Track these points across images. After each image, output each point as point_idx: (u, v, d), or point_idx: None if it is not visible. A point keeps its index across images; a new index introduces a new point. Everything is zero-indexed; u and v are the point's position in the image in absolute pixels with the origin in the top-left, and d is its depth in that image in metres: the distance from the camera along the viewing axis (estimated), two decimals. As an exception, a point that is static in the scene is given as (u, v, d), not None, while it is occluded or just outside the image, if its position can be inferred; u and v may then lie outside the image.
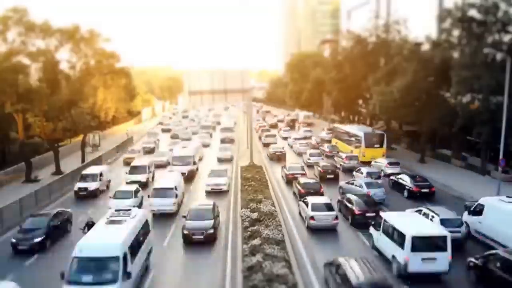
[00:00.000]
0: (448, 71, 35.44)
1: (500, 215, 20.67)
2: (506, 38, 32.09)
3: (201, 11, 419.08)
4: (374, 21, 53.09)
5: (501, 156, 29.45)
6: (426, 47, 40.60)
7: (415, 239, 17.27)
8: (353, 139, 46.39)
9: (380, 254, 19.78)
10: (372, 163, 39.05)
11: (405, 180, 30.50)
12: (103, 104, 48.18)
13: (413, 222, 19.39)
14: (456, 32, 35.16)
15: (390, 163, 37.21)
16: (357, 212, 24.06)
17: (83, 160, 43.53)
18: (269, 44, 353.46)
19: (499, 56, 32.24)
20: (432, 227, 18.92)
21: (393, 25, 49.79)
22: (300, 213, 26.10)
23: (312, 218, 23.41)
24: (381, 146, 43.08)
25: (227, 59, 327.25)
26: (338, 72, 59.11)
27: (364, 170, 33.45)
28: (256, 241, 19.38)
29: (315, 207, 23.78)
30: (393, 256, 18.25)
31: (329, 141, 52.58)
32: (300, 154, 47.21)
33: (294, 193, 30.74)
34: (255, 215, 23.18)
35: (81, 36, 40.30)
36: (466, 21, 33.47)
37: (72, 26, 39.83)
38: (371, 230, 20.99)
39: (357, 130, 47.05)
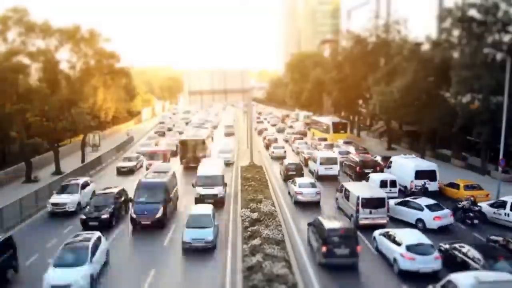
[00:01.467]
0: (448, 71, 35.46)
1: (399, 167, 32.64)
2: (506, 38, 32.12)
3: (201, 11, 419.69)
4: (374, 21, 53.13)
5: (501, 156, 29.46)
6: (426, 47, 40.62)
7: (321, 158, 36.25)
8: (324, 127, 59.32)
9: (310, 171, 38.14)
10: (334, 144, 49.33)
11: (351, 150, 45.05)
12: (103, 104, 48.15)
13: (325, 152, 39.76)
14: (456, 32, 35.19)
15: (345, 142, 49.93)
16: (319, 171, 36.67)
17: (83, 160, 43.51)
18: (269, 44, 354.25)
19: (499, 56, 32.27)
20: (331, 154, 38.97)
21: (393, 25, 49.83)
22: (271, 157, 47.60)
23: (273, 152, 47.41)
24: (345, 131, 57.71)
25: (227, 59, 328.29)
26: (338, 72, 59.16)
27: (336, 149, 45.04)
28: (256, 241, 19.38)
29: (275, 147, 48.19)
30: (314, 170, 36.83)
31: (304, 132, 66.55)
32: (287, 141, 59.12)
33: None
34: (255, 215, 23.18)
35: (81, 36, 40.25)
36: (466, 21, 33.49)
37: (72, 26, 39.81)
38: (310, 163, 38.86)
39: (327, 120, 60.79)
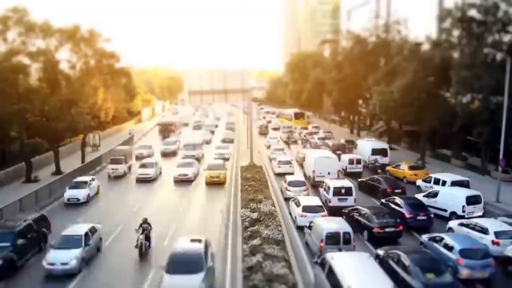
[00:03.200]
0: (448, 71, 35.43)
1: (362, 148, 42.66)
2: (506, 38, 32.08)
3: (201, 11, 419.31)
4: (374, 21, 53.12)
5: (501, 156, 29.45)
6: (426, 47, 40.56)
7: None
8: (289, 116, 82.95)
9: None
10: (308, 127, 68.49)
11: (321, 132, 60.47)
12: (103, 104, 48.11)
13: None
14: (456, 32, 35.15)
15: (313, 127, 67.74)
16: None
17: (83, 160, 43.51)
18: (269, 44, 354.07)
19: (499, 56, 32.24)
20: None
21: (393, 25, 49.81)
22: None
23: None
24: (303, 118, 79.17)
25: (227, 59, 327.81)
26: (338, 72, 59.16)
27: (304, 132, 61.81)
28: (256, 241, 19.37)
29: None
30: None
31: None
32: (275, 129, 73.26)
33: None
34: (255, 215, 23.17)
35: (81, 36, 40.19)
36: (466, 21, 33.46)
37: (72, 26, 39.75)
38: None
39: (290, 111, 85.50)
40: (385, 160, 39.89)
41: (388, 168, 38.29)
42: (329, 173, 33.28)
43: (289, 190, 29.94)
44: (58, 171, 39.98)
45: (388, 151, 40.95)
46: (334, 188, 27.16)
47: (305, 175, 36.07)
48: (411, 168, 36.10)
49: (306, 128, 66.97)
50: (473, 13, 33.12)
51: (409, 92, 39.02)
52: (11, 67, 34.54)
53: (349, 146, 47.68)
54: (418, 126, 45.47)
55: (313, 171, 33.76)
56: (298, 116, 78.13)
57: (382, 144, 43.32)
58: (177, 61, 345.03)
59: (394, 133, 53.70)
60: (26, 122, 37.98)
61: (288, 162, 39.34)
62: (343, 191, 27.05)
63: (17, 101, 34.84)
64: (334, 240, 18.91)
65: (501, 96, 30.09)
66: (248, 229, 21.46)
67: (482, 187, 31.58)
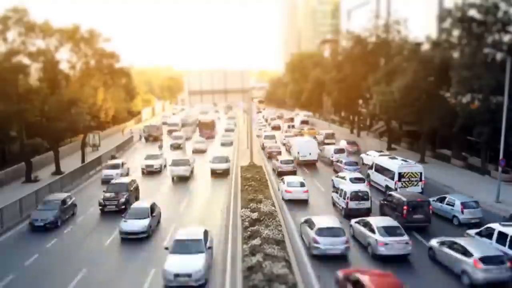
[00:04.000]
0: (448, 71, 35.40)
1: (296, 120, 79.96)
2: (506, 38, 32.09)
3: (201, 11, 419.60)
4: (374, 21, 53.06)
5: (501, 156, 29.43)
6: (426, 47, 40.56)
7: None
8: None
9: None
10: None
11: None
12: (103, 104, 48.08)
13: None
14: (456, 32, 35.12)
15: (274, 114, 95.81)
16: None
17: (83, 160, 43.49)
18: (269, 44, 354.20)
19: (499, 56, 32.23)
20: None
21: (393, 25, 49.76)
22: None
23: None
24: (263, 103, 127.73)
25: (227, 59, 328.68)
26: (338, 72, 59.08)
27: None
28: (256, 241, 19.36)
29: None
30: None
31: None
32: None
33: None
34: (255, 215, 23.17)
35: (81, 36, 40.13)
36: (466, 21, 33.44)
37: (72, 26, 39.75)
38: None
39: (256, 100, 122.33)
40: (308, 127, 67.79)
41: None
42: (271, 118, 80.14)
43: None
44: (58, 171, 39.96)
45: (309, 122, 74.26)
46: (286, 135, 57.17)
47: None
48: (308, 129, 64.38)
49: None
50: (473, 13, 33.09)
51: (409, 92, 38.97)
52: (11, 67, 34.51)
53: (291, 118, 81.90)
54: (418, 126, 45.39)
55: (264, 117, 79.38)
56: (260, 101, 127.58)
57: (308, 114, 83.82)
58: (178, 61, 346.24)
59: (394, 133, 53.64)
60: (26, 122, 37.96)
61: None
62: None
63: (17, 101, 34.82)
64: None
65: (501, 96, 30.06)
66: (248, 229, 21.46)
67: (482, 187, 31.64)
